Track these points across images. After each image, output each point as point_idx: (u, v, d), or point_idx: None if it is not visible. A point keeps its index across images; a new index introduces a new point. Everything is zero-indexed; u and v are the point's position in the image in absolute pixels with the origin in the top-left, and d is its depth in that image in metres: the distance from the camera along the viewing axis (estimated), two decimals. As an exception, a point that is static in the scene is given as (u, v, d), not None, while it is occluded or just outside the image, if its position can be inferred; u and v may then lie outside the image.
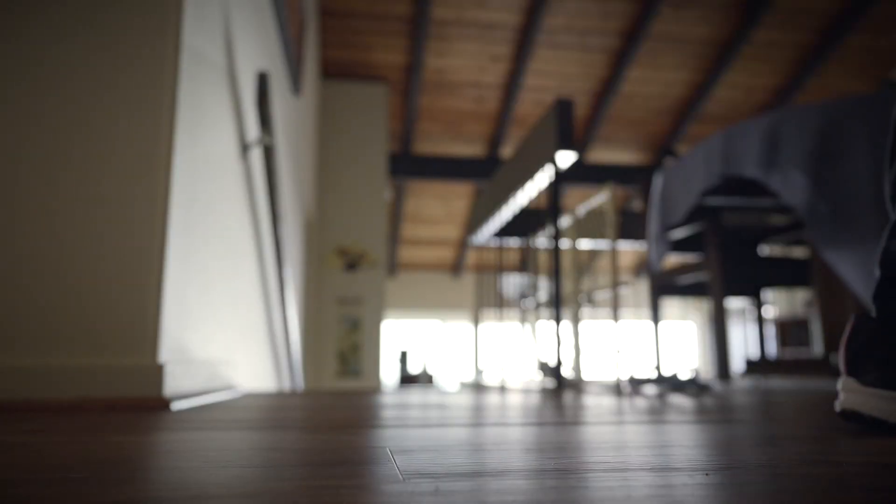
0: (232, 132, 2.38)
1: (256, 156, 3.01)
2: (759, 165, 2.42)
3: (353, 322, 6.74)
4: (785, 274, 3.68)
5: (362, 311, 6.78)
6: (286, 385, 4.09)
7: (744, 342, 11.35)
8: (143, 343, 1.49)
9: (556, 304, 2.73)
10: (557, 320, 2.74)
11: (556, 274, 2.78)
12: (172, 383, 1.53)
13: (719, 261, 3.45)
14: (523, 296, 3.98)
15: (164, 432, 0.98)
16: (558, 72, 7.34)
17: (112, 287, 1.51)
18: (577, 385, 2.79)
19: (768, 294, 10.14)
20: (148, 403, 1.41)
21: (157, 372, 1.46)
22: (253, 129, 2.85)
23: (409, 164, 8.21)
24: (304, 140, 5.58)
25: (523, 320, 3.83)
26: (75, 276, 1.50)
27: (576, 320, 2.91)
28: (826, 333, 3.01)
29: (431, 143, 8.39)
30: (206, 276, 1.96)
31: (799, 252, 7.45)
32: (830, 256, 2.26)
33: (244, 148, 2.63)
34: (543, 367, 3.05)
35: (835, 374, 2.89)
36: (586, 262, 2.89)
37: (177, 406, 1.46)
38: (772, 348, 7.35)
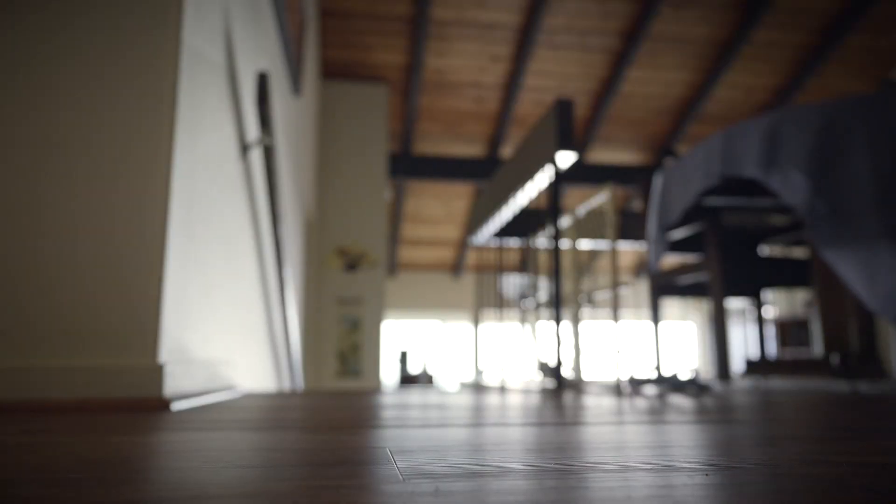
0: (232, 132, 2.38)
1: (256, 156, 3.01)
2: (758, 165, 2.42)
3: (353, 322, 6.74)
4: (785, 274, 3.68)
5: (362, 311, 6.78)
6: (286, 385, 4.09)
7: (744, 342, 11.36)
8: (143, 343, 1.49)
9: (556, 305, 2.73)
10: (557, 320, 2.74)
11: (556, 274, 2.78)
12: (172, 383, 1.53)
13: (719, 261, 3.46)
14: (523, 296, 3.98)
15: (164, 432, 0.98)
16: (558, 72, 7.34)
17: (112, 288, 1.51)
18: (577, 385, 2.79)
19: (768, 294, 10.15)
20: (148, 404, 1.41)
21: (158, 372, 1.46)
22: (253, 130, 2.85)
23: (409, 165, 8.21)
24: (304, 140, 5.58)
25: (523, 320, 3.83)
26: (75, 277, 1.50)
27: (576, 320, 2.91)
28: (826, 333, 3.01)
29: (431, 144, 8.39)
30: (206, 277, 1.96)
31: (799, 252, 7.46)
32: (830, 256, 2.26)
33: (244, 148, 2.63)
34: (543, 367, 3.05)
35: (834, 374, 2.89)
36: (586, 262, 2.89)
37: (177, 406, 1.46)
38: (772, 348, 7.34)
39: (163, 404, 1.42)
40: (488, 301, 4.86)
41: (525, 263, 4.14)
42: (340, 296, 6.77)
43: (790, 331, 7.06)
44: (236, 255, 2.49)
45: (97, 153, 1.55)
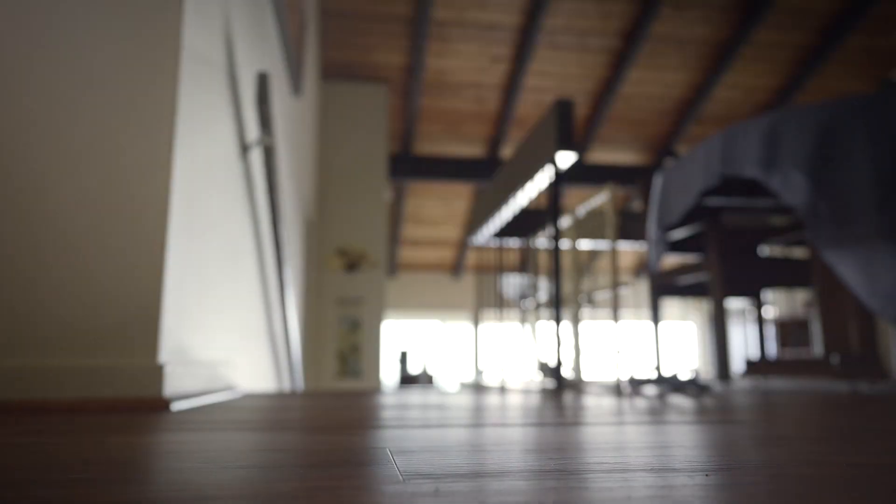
0: (232, 132, 2.38)
1: (256, 156, 3.01)
2: (758, 165, 2.43)
3: (353, 322, 6.74)
4: (785, 274, 3.68)
5: (362, 311, 6.78)
6: (286, 385, 4.09)
7: (744, 342, 11.36)
8: (143, 343, 1.49)
9: (556, 305, 2.73)
10: (557, 321, 2.74)
11: (555, 274, 2.78)
12: (172, 384, 1.53)
13: (719, 261, 3.46)
14: (523, 296, 3.97)
15: (164, 433, 0.98)
16: (558, 72, 7.34)
17: (112, 288, 1.51)
18: (577, 385, 2.79)
19: (768, 294, 10.14)
20: (148, 404, 1.41)
21: (158, 372, 1.46)
22: (253, 130, 2.85)
23: (409, 165, 8.21)
24: (305, 140, 5.58)
25: (523, 321, 3.83)
26: (76, 277, 1.50)
27: (576, 321, 2.91)
28: (826, 334, 3.01)
29: (432, 144, 8.39)
30: (206, 277, 1.96)
31: (799, 252, 7.46)
32: (830, 256, 2.26)
33: (244, 148, 2.63)
34: (543, 367, 3.05)
35: (835, 374, 2.89)
36: (586, 262, 2.89)
37: (177, 406, 1.46)
38: (772, 349, 7.34)
39: (163, 404, 1.42)
40: (488, 301, 4.87)
41: (525, 263, 4.14)
42: (340, 296, 6.77)
43: (790, 331, 7.07)
44: (236, 256, 2.49)
45: (97, 153, 1.55)
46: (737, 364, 11.30)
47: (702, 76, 7.49)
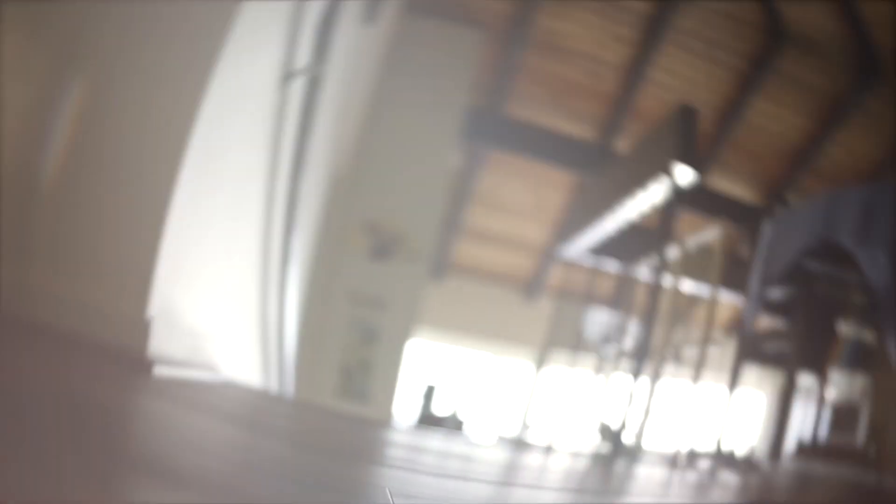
0: (278, 56, 2.65)
1: (297, 88, 3.22)
2: (853, 236, 3.01)
3: (368, 331, 6.63)
4: (853, 355, 4.11)
5: (384, 318, 6.63)
6: (273, 385, 4.26)
7: (803, 421, 11.51)
8: (134, 289, 1.82)
9: (642, 356, 2.95)
10: (637, 375, 2.97)
11: (651, 317, 2.98)
12: (157, 344, 1.83)
13: (802, 332, 3.86)
14: (606, 339, 4.14)
15: (147, 398, 1.21)
16: (686, 74, 7.81)
17: (114, 224, 1.83)
18: (633, 452, 3.03)
19: (834, 373, 11.16)
20: (132, 359, 1.72)
21: (144, 328, 1.80)
22: (304, 55, 3.06)
23: (494, 127, 8.11)
24: (361, 76, 5.67)
25: (599, 370, 4.00)
26: (82, 200, 1.83)
27: (655, 377, 3.16)
28: (871, 423, 3.58)
29: (529, 110, 8.42)
30: (208, 231, 2.27)
31: (868, 335, 8.05)
32: (891, 344, 2.78)
33: (287, 76, 2.86)
34: (604, 430, 3.27)
35: (871, 465, 3.35)
36: (685, 307, 3.13)
37: (159, 371, 1.74)
38: (824, 432, 7.78)
39: (146, 365, 1.72)
40: (562, 339, 4.93)
41: (619, 297, 4.29)
42: (357, 291, 6.60)
43: (843, 415, 7.50)
44: (243, 210, 2.75)
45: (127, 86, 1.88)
46: (792, 443, 11.41)
47: (819, 128, 8.02)
